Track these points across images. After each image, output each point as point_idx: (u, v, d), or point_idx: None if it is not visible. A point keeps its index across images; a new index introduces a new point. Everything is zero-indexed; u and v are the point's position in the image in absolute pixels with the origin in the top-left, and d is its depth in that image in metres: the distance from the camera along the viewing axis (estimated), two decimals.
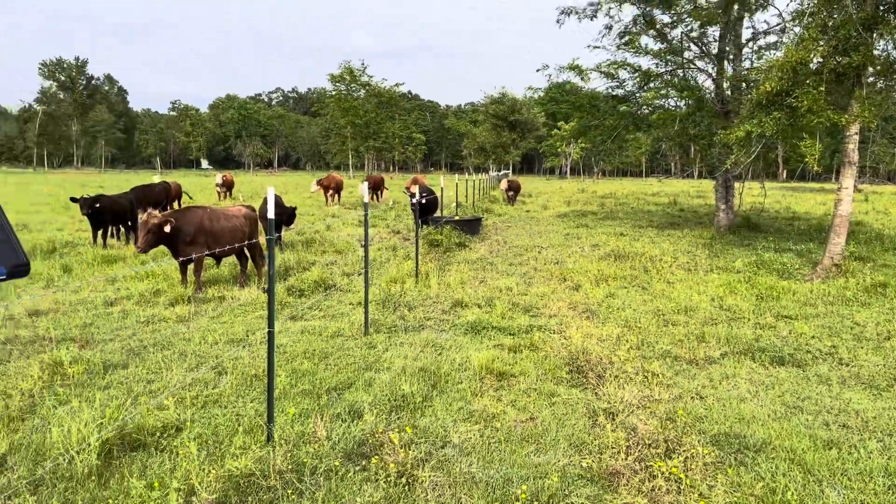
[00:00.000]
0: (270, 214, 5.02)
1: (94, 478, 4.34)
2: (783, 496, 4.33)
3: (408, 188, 28.84)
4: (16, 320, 8.52)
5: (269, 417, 5.00)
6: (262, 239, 11.60)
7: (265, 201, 15.76)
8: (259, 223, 12.05)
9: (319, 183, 30.46)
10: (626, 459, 4.78)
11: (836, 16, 12.62)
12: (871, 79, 13.28)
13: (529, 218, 25.64)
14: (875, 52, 12.49)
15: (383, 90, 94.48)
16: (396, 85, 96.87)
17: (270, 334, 5.07)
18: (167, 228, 9.77)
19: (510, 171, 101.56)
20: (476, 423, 5.43)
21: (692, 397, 6.18)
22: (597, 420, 5.58)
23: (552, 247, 16.72)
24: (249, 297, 10.17)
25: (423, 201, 17.61)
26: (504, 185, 32.83)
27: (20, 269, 1.89)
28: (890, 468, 4.74)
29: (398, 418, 5.50)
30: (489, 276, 12.34)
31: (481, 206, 28.10)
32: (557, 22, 21.82)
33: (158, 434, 4.97)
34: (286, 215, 14.99)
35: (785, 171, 64.02)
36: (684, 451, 4.87)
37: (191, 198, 28.82)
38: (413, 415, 5.58)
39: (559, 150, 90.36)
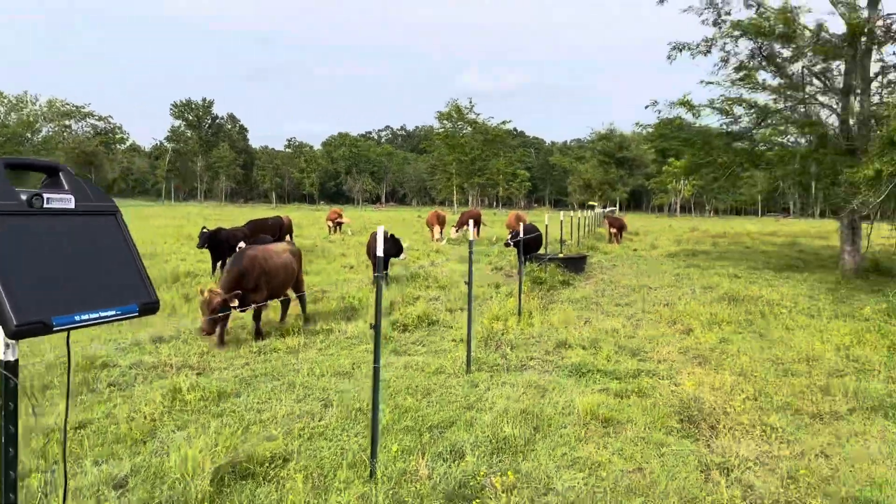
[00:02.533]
0: (380, 252, 5.13)
1: (206, 503, 4.50)
2: None
3: (509, 225, 28.88)
4: (140, 346, 9.07)
5: (372, 453, 5.05)
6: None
7: (372, 236, 16.36)
8: (300, 258, 11.51)
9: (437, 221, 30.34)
10: None
11: None
12: None
13: (637, 257, 24.98)
14: None
15: (490, 128, 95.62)
16: (503, 123, 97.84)
17: (376, 370, 5.14)
18: (234, 304, 8.97)
19: (616, 207, 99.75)
20: (580, 471, 5.26)
21: (816, 455, 5.74)
22: (710, 475, 5.28)
23: (661, 287, 16.19)
24: (356, 330, 10.40)
25: (525, 237, 17.54)
26: (605, 222, 32.30)
27: (149, 306, 2.00)
28: None
29: (500, 461, 5.41)
30: (594, 317, 12.07)
31: (586, 244, 27.67)
32: (668, 58, 21.37)
33: (267, 464, 5.11)
34: (395, 248, 15.54)
35: None
36: None
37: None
38: (515, 458, 5.48)
39: (669, 187, 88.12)
